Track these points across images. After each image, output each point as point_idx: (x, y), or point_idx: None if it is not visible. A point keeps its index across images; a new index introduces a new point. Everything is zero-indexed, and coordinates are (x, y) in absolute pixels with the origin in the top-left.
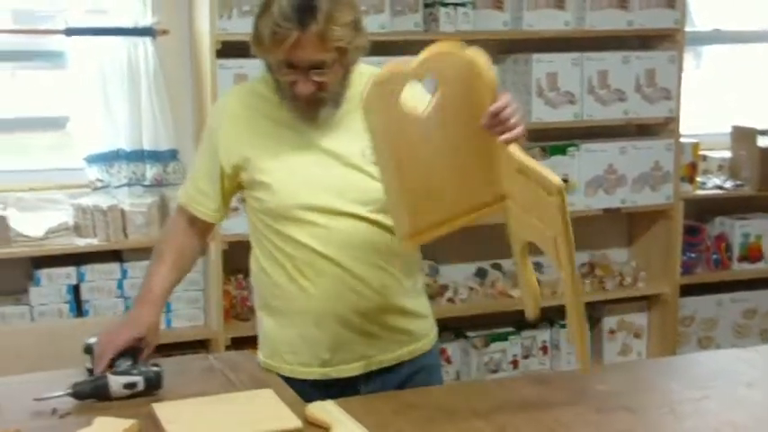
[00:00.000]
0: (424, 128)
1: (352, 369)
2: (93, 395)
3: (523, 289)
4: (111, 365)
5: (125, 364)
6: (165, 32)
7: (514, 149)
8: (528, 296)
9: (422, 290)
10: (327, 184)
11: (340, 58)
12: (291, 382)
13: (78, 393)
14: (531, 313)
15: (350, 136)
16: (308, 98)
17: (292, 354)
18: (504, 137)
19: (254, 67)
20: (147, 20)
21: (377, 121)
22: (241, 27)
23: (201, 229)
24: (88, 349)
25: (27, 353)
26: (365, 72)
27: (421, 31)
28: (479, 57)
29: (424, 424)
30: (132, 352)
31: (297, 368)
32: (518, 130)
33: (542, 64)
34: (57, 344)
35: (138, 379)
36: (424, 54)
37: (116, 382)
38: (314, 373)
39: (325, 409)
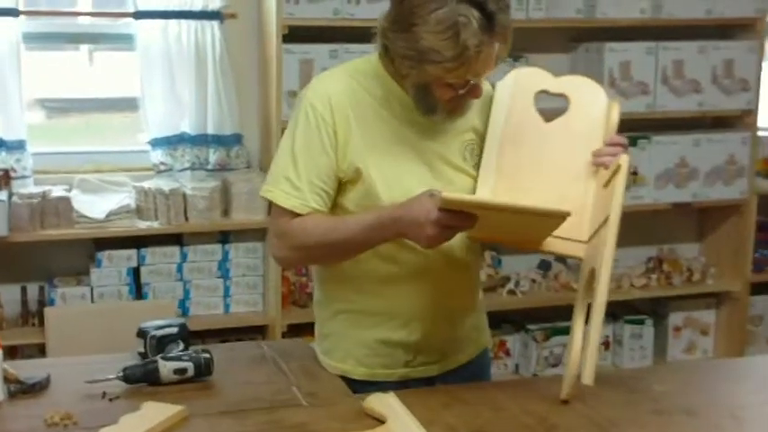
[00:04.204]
0: (538, 135)
1: (431, 369)
2: (143, 379)
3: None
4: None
5: (176, 349)
6: (232, 16)
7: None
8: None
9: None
10: (432, 183)
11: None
12: (366, 385)
13: (129, 377)
14: (563, 392)
15: (450, 137)
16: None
17: (373, 357)
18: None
19: (319, 52)
20: (215, 3)
21: (503, 105)
22: (308, 12)
23: None
24: (141, 333)
25: (87, 333)
26: None
27: None
28: (616, 102)
29: (471, 419)
30: (184, 338)
31: (377, 371)
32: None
33: (615, 53)
34: (115, 326)
35: (189, 365)
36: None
37: (166, 368)
38: (394, 374)
39: (385, 402)
